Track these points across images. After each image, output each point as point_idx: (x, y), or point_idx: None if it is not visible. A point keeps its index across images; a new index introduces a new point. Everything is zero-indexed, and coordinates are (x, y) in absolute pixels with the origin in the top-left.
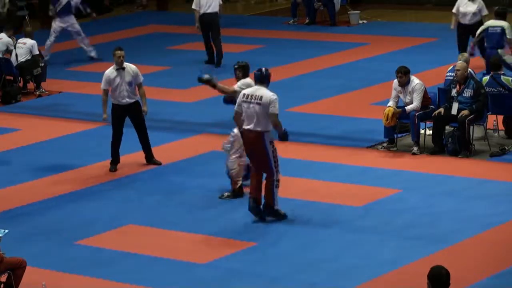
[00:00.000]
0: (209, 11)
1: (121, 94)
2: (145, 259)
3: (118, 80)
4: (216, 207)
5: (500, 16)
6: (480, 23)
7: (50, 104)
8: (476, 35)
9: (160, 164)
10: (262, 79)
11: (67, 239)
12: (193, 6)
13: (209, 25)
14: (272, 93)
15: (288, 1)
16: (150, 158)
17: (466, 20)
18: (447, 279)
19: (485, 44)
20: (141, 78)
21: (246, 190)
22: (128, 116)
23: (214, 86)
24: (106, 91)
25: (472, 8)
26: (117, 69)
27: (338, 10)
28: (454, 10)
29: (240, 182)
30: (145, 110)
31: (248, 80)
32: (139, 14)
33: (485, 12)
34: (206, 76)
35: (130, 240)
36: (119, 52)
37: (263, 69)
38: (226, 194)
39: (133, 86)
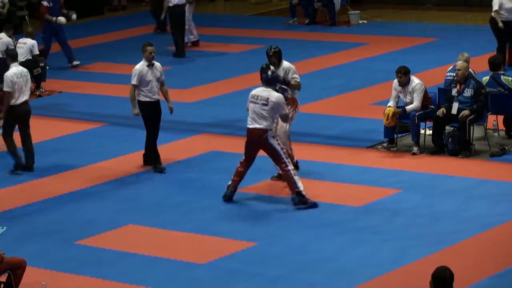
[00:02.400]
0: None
1: (152, 90)
2: (145, 259)
3: (149, 76)
4: (216, 207)
5: None
6: None
7: (50, 104)
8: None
9: (163, 172)
10: (268, 82)
11: (67, 239)
12: None
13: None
14: (278, 94)
15: (287, 1)
16: (156, 162)
17: (510, 17)
18: (451, 281)
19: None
20: (164, 76)
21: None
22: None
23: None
24: (137, 86)
25: None
26: (147, 65)
27: (338, 10)
28: (496, 8)
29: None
30: (172, 107)
31: (286, 63)
32: (139, 14)
33: None
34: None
35: (130, 240)
36: (150, 47)
37: (269, 72)
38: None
39: (159, 83)
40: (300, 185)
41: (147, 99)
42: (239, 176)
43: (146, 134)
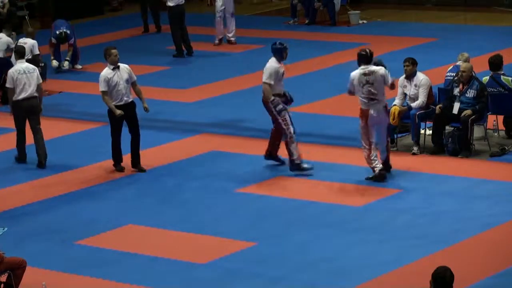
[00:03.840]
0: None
1: (119, 93)
2: (145, 259)
3: (116, 79)
4: (216, 207)
5: None
6: None
7: (50, 104)
8: None
9: (144, 171)
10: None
11: (67, 239)
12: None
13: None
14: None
15: (288, 1)
16: (136, 163)
17: None
18: (451, 281)
19: None
20: (135, 77)
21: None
22: (125, 117)
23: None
24: (106, 92)
25: None
26: (113, 69)
27: (338, 10)
28: None
29: (377, 166)
30: (147, 106)
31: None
32: (139, 14)
33: None
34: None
35: (130, 240)
36: (114, 50)
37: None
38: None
39: (129, 84)
40: (295, 155)
41: (115, 103)
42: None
43: (113, 137)
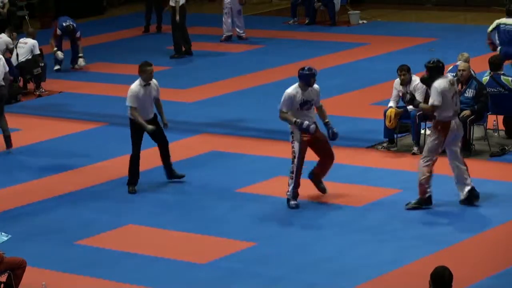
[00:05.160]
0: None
1: (146, 111)
2: (145, 259)
3: (144, 96)
4: (216, 207)
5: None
6: None
7: (50, 104)
8: (488, 32)
9: (183, 176)
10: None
11: (67, 239)
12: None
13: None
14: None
15: (288, 1)
16: (172, 174)
17: None
18: (449, 281)
19: (497, 41)
20: (159, 93)
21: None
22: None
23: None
24: (136, 108)
25: None
26: (144, 85)
27: (338, 10)
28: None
29: (429, 190)
30: (167, 123)
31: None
32: (139, 14)
33: None
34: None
35: (130, 240)
36: (150, 68)
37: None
38: (412, 202)
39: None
40: (288, 193)
41: (148, 118)
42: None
43: (132, 152)
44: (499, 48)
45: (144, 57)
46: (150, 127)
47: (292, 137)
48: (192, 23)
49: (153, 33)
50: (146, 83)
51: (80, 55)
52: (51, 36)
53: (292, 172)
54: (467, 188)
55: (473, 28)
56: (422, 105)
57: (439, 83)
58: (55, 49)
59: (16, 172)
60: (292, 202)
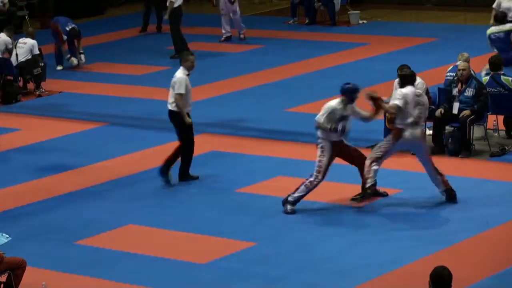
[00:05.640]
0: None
1: (189, 102)
2: (145, 259)
3: (189, 85)
4: (216, 207)
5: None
6: None
7: (50, 104)
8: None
9: (197, 178)
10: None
11: (67, 239)
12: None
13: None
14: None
15: (288, 1)
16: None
17: (509, 16)
18: (449, 280)
19: (495, 50)
20: None
21: None
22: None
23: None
24: (184, 95)
25: None
26: (187, 74)
27: (338, 10)
28: (494, 6)
29: (369, 181)
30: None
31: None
32: (139, 14)
33: None
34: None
35: (130, 240)
36: (192, 57)
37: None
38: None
39: None
40: (294, 197)
41: (187, 111)
42: None
43: (190, 146)
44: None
45: (144, 57)
46: (189, 119)
47: (322, 150)
48: (192, 23)
49: (153, 33)
50: (188, 73)
51: (81, 51)
52: (57, 38)
53: (310, 183)
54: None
55: (473, 28)
56: (383, 104)
57: (406, 89)
58: (69, 55)
59: (16, 172)
60: (290, 207)
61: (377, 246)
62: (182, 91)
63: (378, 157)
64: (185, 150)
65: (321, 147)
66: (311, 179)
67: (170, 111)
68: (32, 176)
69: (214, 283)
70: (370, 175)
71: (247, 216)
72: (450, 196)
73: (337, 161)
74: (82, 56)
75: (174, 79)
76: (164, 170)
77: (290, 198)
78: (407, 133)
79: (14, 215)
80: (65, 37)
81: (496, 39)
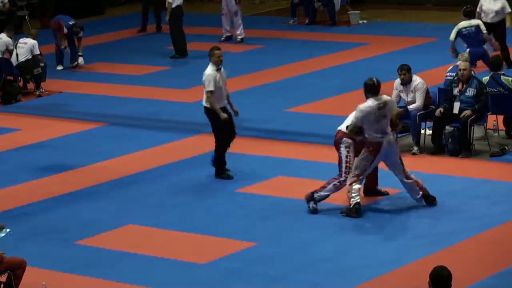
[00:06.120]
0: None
1: (220, 98)
2: (145, 259)
3: (220, 81)
4: (216, 207)
5: (469, 15)
6: (503, 21)
7: (50, 104)
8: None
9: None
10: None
11: (67, 239)
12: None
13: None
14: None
15: (288, 1)
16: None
17: (488, 19)
18: (448, 280)
19: (465, 44)
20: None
21: None
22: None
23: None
24: (214, 92)
25: (495, 6)
26: (216, 69)
27: (338, 10)
28: (478, 9)
29: (353, 200)
30: (237, 110)
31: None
32: (139, 14)
33: (508, 10)
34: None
35: (130, 240)
36: (218, 51)
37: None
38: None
39: None
40: (320, 195)
41: (219, 106)
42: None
43: (217, 143)
44: (467, 50)
45: (144, 57)
46: (224, 115)
47: (348, 150)
48: (192, 23)
49: (153, 33)
50: (217, 68)
51: (80, 53)
52: (57, 37)
53: (340, 183)
54: (420, 195)
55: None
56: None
57: (365, 104)
58: (64, 46)
59: (16, 172)
60: (313, 205)
61: (377, 246)
62: (211, 88)
63: (359, 175)
64: (216, 146)
65: (347, 147)
66: (342, 179)
67: (204, 107)
68: (32, 176)
69: (214, 283)
70: (353, 194)
71: (247, 216)
72: (427, 200)
73: (337, 161)
74: (80, 59)
75: (203, 77)
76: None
77: (316, 196)
78: (384, 143)
79: (14, 215)
80: (66, 30)
81: (468, 33)
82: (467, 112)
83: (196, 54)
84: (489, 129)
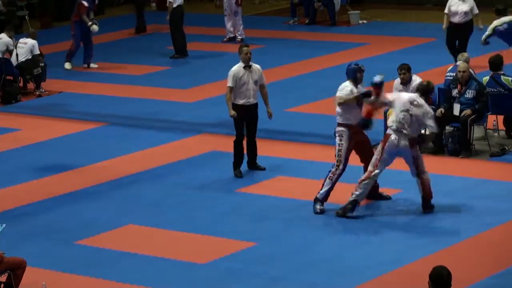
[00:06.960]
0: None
1: (247, 94)
2: (145, 259)
3: (245, 78)
4: (216, 207)
5: (501, 13)
6: (471, 22)
7: (50, 104)
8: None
9: (264, 169)
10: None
11: (67, 239)
12: None
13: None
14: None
15: (288, 1)
16: (254, 164)
17: (456, 19)
18: (448, 280)
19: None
20: (265, 79)
21: None
22: (245, 118)
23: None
24: (232, 89)
25: (463, 7)
26: (244, 67)
27: (338, 10)
28: (446, 11)
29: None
30: (271, 112)
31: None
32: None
33: (476, 11)
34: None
35: (130, 240)
36: (246, 48)
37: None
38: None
39: (257, 86)
40: (321, 193)
41: (240, 102)
42: None
43: (236, 138)
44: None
45: (144, 57)
46: (233, 112)
47: (340, 138)
48: (192, 23)
49: (153, 33)
50: (246, 65)
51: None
52: (76, 13)
53: (333, 174)
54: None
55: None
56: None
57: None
58: (90, 23)
59: (16, 172)
60: (318, 207)
61: (377, 246)
62: (230, 84)
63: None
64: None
65: (340, 135)
66: (333, 169)
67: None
68: (32, 176)
69: (214, 283)
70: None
71: (247, 216)
72: (424, 205)
73: None
74: (95, 26)
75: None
76: (252, 165)
77: (319, 196)
78: (392, 138)
79: (14, 215)
80: (86, 4)
81: (503, 31)
82: (467, 112)
83: (196, 54)
84: (489, 129)
